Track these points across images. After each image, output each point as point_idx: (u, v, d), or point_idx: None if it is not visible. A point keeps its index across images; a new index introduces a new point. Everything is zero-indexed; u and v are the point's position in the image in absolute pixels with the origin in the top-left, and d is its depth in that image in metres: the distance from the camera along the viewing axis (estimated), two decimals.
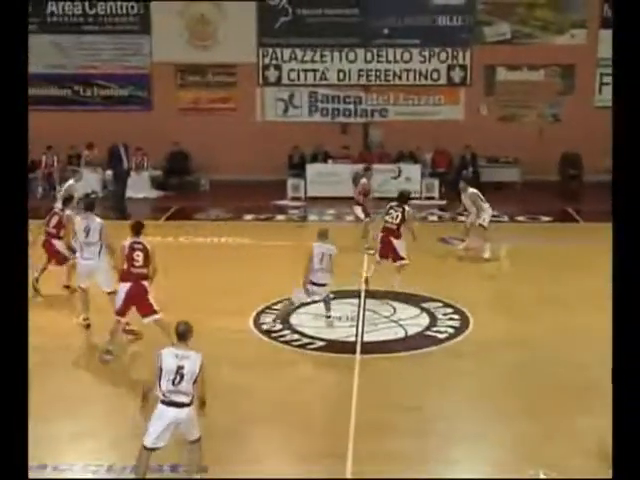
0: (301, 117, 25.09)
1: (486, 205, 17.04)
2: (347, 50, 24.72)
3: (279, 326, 12.82)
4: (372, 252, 15.19)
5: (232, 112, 24.98)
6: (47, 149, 23.41)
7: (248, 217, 20.78)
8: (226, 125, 24.48)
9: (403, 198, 14.78)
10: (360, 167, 20.15)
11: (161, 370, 7.82)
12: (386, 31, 24.58)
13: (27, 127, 6.17)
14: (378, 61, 24.76)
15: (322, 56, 24.83)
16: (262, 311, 13.47)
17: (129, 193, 22.46)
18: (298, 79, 24.99)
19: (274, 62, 24.92)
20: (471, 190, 17.16)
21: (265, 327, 12.85)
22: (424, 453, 8.98)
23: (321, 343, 12.25)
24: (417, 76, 24.86)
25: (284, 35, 24.65)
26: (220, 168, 23.88)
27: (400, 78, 24.84)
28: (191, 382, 7.83)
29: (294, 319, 13.14)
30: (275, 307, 13.60)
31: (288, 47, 24.72)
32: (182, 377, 7.77)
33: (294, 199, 22.64)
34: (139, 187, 23.16)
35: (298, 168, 23.46)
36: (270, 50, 24.81)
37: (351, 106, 25.08)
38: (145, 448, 7.91)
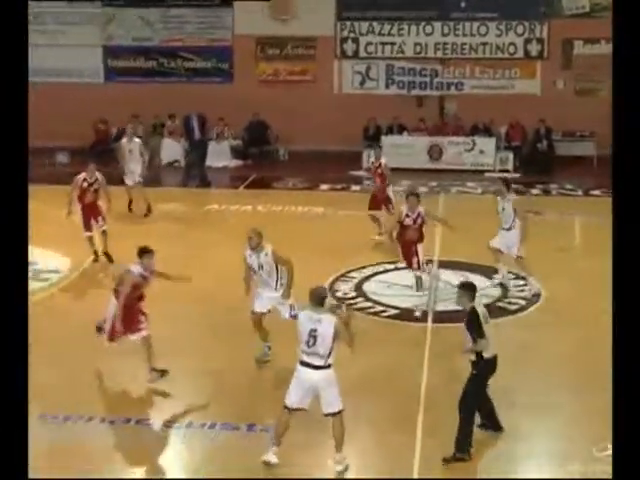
0: (377, 90, 24.76)
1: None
2: (424, 23, 24.23)
3: (353, 293, 12.73)
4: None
5: (310, 84, 24.80)
6: (132, 118, 23.60)
7: (324, 187, 20.66)
8: (304, 97, 24.30)
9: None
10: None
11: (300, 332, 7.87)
12: (463, 4, 24.03)
13: (27, 122, 6.02)
14: (455, 34, 24.21)
15: (399, 29, 24.40)
16: (337, 279, 13.38)
17: (209, 162, 22.46)
18: (375, 52, 24.63)
19: (352, 35, 24.59)
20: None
21: (339, 294, 12.76)
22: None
23: (394, 311, 12.12)
24: (493, 49, 24.25)
25: (362, 9, 24.29)
26: (298, 138, 23.77)
27: (476, 51, 24.27)
28: (325, 345, 7.75)
29: (367, 287, 13.02)
30: (350, 275, 13.50)
31: (366, 20, 24.35)
32: (315, 340, 7.75)
33: (368, 170, 22.39)
34: (219, 156, 23.22)
35: (373, 139, 23.19)
36: (348, 24, 24.49)
37: (427, 79, 24.63)
38: (285, 408, 7.97)
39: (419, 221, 12.22)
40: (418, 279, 12.32)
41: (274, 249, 10.07)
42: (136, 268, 9.73)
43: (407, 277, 12.77)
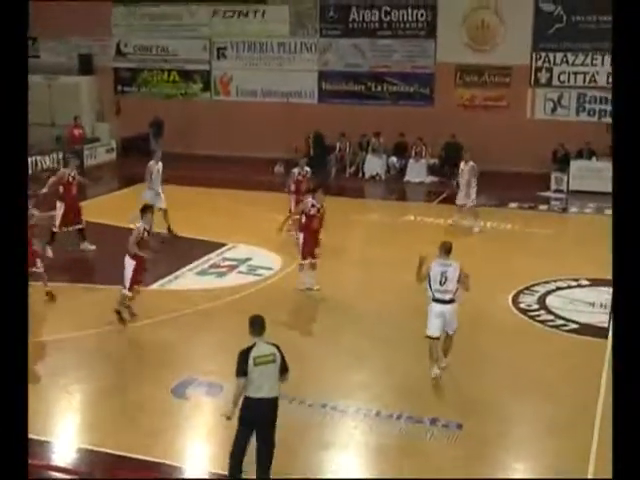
0: (568, 116, 24.06)
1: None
2: None
3: (536, 306, 12.54)
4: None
5: (504, 109, 24.49)
6: (341, 136, 24.31)
7: (513, 205, 20.36)
8: (498, 121, 24.04)
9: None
10: None
11: (429, 277, 9.47)
12: None
13: (27, 128, 5.74)
14: None
15: (593, 60, 23.59)
16: (521, 291, 13.22)
17: (408, 177, 23.11)
18: (568, 81, 23.95)
19: (546, 65, 24.06)
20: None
21: (522, 306, 12.61)
22: None
23: (574, 326, 11.83)
24: None
25: (557, 40, 23.71)
26: (490, 159, 23.45)
27: None
28: (452, 284, 9.43)
29: (551, 301, 12.78)
30: (533, 288, 13.30)
31: (560, 51, 23.75)
32: (446, 279, 9.44)
33: (557, 191, 21.83)
34: (417, 172, 23.46)
35: (562, 163, 22.57)
36: (543, 54, 23.97)
37: None
38: (430, 337, 9.68)
39: (321, 212, 13.02)
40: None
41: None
42: (140, 224, 11.56)
43: (590, 294, 12.45)
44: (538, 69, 24.14)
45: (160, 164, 16.86)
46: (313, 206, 13.10)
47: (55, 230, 14.94)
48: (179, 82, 27.56)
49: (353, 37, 25.49)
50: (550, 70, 24.04)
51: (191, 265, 14.69)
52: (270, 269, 14.21)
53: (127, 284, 11.56)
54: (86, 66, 27.58)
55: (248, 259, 14.72)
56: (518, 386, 9.85)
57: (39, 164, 22.36)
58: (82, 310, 12.33)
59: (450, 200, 20.92)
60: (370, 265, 14.91)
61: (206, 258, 15.04)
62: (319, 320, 12.52)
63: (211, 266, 14.64)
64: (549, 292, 13.18)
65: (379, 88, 25.63)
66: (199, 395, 9.58)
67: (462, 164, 18.06)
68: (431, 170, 23.84)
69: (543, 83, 24.18)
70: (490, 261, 14.98)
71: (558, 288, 13.31)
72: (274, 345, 7.49)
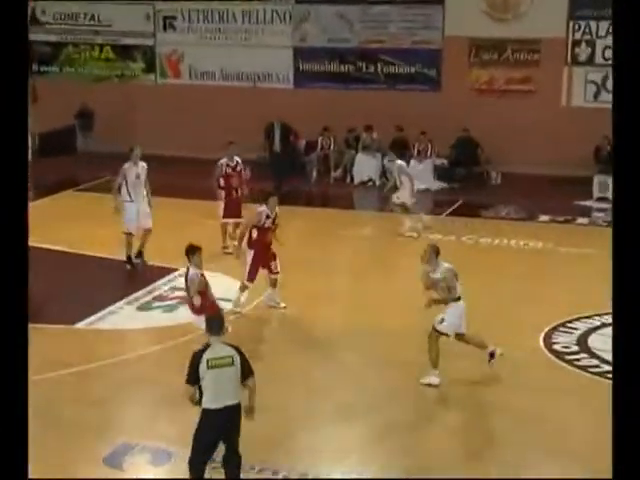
0: None
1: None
2: None
3: (575, 347, 12.61)
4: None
5: (532, 95, 24.69)
6: (323, 130, 24.44)
7: (544, 218, 20.50)
8: (524, 110, 24.21)
9: None
10: None
11: (443, 280, 11.20)
12: None
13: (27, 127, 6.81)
14: None
15: None
16: (554, 328, 13.29)
17: None
18: None
19: (586, 37, 24.29)
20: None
21: (557, 347, 12.68)
22: None
23: None
24: None
25: (602, 6, 23.87)
26: (514, 159, 23.72)
27: None
28: None
29: (593, 341, 12.85)
30: (571, 325, 13.38)
31: (605, 19, 23.87)
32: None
33: (600, 199, 22.00)
34: (421, 177, 23.46)
35: (607, 163, 22.74)
36: (583, 23, 24.20)
37: None
38: (447, 335, 11.37)
39: (276, 221, 13.94)
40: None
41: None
42: (193, 269, 11.73)
43: None
44: (576, 43, 24.37)
45: (142, 165, 16.43)
46: (268, 217, 13.77)
47: None
48: (114, 60, 27.67)
49: (338, 3, 25.66)
50: (592, 44, 24.26)
51: (130, 297, 14.66)
52: (230, 300, 14.20)
53: None
54: None
55: (228, 300, 14.68)
56: (558, 452, 9.89)
57: None
58: None
59: (465, 211, 21.12)
60: (358, 296, 14.96)
61: (150, 288, 15.04)
62: (293, 361, 12.51)
63: (156, 298, 14.61)
64: (591, 330, 13.25)
65: (371, 69, 25.80)
66: (140, 464, 9.55)
67: None
68: (439, 174, 23.97)
69: (583, 61, 24.39)
70: (516, 289, 15.05)
71: (603, 325, 13.38)
72: (233, 347, 8.21)
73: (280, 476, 9.19)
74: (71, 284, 15.26)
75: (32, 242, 16.61)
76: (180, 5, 26.69)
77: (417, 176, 23.16)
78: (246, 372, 8.20)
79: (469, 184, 23.78)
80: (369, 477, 9.31)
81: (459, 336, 11.54)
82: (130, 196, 16.16)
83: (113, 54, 27.58)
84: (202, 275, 11.79)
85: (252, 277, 13.93)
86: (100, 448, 9.74)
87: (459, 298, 11.41)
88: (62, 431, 10.25)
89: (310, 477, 9.15)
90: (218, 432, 8.22)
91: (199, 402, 8.19)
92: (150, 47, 27.24)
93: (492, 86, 25.09)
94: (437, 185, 23.76)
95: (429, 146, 23.90)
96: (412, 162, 23.39)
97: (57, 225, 18.64)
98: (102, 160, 24.81)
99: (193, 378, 8.07)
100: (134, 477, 9.42)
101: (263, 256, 13.88)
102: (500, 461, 9.66)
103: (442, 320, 11.35)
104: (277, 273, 13.99)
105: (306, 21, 25.88)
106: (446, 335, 11.40)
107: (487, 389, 11.45)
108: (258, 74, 26.22)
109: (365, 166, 24.20)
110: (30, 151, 26.25)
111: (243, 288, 14.02)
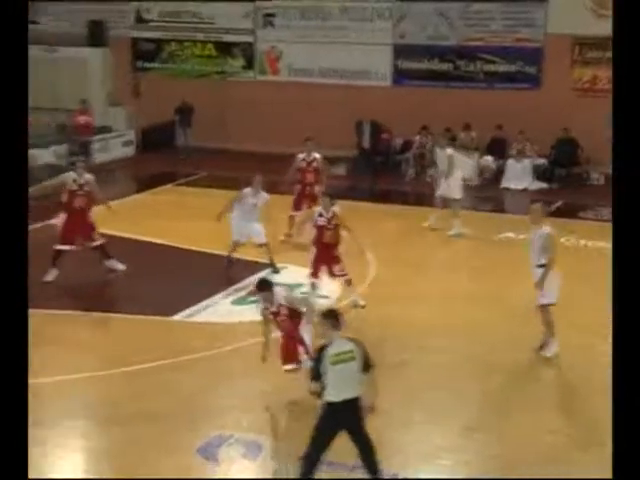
0: None
1: None
2: None
3: None
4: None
5: None
6: (421, 129, 24.34)
7: None
8: None
9: None
10: None
11: (543, 247, 11.85)
12: None
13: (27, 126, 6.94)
14: None
15: None
16: None
17: (506, 183, 23.19)
18: None
19: None
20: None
21: None
22: None
23: None
24: None
25: None
26: None
27: None
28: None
29: None
30: None
31: None
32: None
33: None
34: (519, 177, 23.32)
35: None
36: None
37: None
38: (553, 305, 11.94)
39: (333, 222, 13.68)
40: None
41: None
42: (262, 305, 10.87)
43: None
44: None
45: (263, 197, 15.79)
46: (321, 215, 13.75)
47: (58, 248, 15.27)
48: (215, 57, 28.04)
49: (438, 0, 25.54)
50: None
51: (226, 291, 14.84)
52: (326, 297, 14.27)
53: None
54: (97, 36, 28.25)
55: (300, 285, 14.79)
56: None
57: (37, 159, 22.86)
58: (93, 346, 12.61)
59: (564, 212, 20.79)
60: (451, 300, 14.90)
61: (246, 282, 15.16)
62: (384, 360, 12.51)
63: (250, 293, 14.75)
64: None
65: (471, 67, 25.65)
66: (234, 457, 9.67)
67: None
68: (537, 173, 23.68)
69: None
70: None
71: None
72: (353, 340, 8.35)
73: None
74: (170, 277, 15.51)
75: (134, 235, 17.33)
76: (279, 2, 26.94)
77: (515, 176, 23.09)
78: (367, 365, 8.33)
79: (569, 185, 23.44)
80: (461, 477, 9.33)
81: (546, 306, 11.89)
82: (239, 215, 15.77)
83: (214, 51, 27.94)
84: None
85: (315, 273, 13.98)
86: (193, 440, 9.85)
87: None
88: (156, 422, 10.42)
89: (400, 477, 9.13)
90: (339, 426, 8.35)
91: (320, 396, 8.34)
92: (250, 44, 27.54)
93: (595, 86, 24.65)
94: (536, 185, 23.48)
95: (527, 146, 23.66)
96: (510, 161, 23.25)
97: (157, 219, 18.99)
98: (200, 155, 25.22)
99: (317, 374, 8.25)
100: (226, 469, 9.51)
101: (324, 255, 13.89)
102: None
103: (542, 295, 11.78)
104: (340, 276, 13.97)
105: (406, 19, 25.83)
106: (552, 305, 11.83)
107: (570, 399, 11.27)
108: (356, 72, 26.25)
109: (463, 166, 23.96)
110: (134, 145, 26.99)
111: (312, 286, 14.02)
